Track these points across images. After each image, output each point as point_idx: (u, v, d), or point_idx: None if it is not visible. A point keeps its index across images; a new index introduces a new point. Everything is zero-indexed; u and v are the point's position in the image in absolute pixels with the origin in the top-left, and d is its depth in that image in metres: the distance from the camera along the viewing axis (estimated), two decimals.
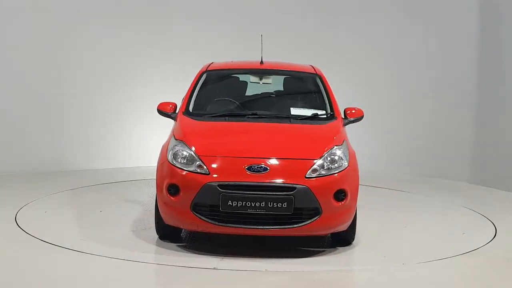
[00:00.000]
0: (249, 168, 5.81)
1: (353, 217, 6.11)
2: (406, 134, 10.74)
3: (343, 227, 6.07)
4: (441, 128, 10.61)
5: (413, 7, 10.73)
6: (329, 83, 7.12)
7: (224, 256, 5.88)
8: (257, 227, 5.77)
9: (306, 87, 7.31)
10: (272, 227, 5.78)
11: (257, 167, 5.82)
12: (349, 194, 5.92)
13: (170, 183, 5.90)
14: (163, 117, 6.88)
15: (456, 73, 10.48)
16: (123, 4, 10.27)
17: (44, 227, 6.66)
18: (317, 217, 5.79)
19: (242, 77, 7.47)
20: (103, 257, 5.78)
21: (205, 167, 5.84)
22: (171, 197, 5.88)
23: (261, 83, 7.42)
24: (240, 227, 5.78)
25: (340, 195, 5.89)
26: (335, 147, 6.08)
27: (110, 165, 9.97)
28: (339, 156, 6.02)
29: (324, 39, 10.77)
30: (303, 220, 5.78)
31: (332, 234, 6.22)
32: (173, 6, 10.53)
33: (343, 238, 6.27)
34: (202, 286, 5.29)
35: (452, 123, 10.54)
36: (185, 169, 5.89)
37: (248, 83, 7.43)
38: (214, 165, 5.85)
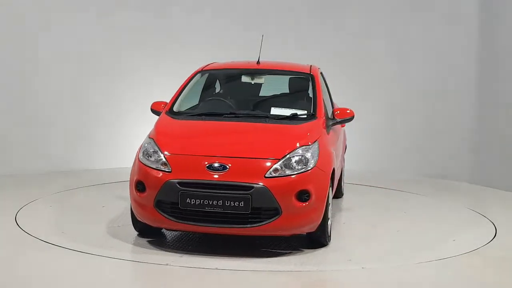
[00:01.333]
0: (209, 167, 5.84)
1: (321, 218, 6.00)
2: (406, 134, 10.74)
3: (310, 228, 6.00)
4: (441, 128, 10.61)
5: (413, 7, 10.72)
6: (320, 83, 7.07)
7: (224, 256, 5.88)
8: (215, 225, 5.79)
9: (296, 87, 7.33)
10: (229, 226, 5.78)
11: (217, 166, 5.82)
12: (313, 195, 5.85)
13: (138, 180, 6.02)
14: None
15: (456, 73, 10.48)
16: (123, 4, 10.26)
17: (44, 227, 6.67)
18: (277, 217, 5.75)
19: (237, 77, 7.52)
20: (103, 257, 5.79)
21: (168, 165, 5.92)
22: (139, 194, 6.00)
23: (252, 82, 7.42)
24: (198, 225, 5.82)
25: (303, 195, 5.83)
26: (302, 147, 6.02)
27: (110, 165, 9.97)
28: (304, 156, 5.95)
29: (325, 39, 10.77)
30: (262, 220, 5.75)
31: (306, 235, 6.15)
32: (173, 6, 10.53)
33: (315, 240, 6.20)
34: (201, 287, 5.29)
35: (452, 123, 10.53)
36: (151, 166, 5.98)
37: (241, 83, 7.48)
38: (177, 163, 5.91)
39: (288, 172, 5.85)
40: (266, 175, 5.79)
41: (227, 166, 5.82)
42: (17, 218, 7.00)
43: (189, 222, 5.82)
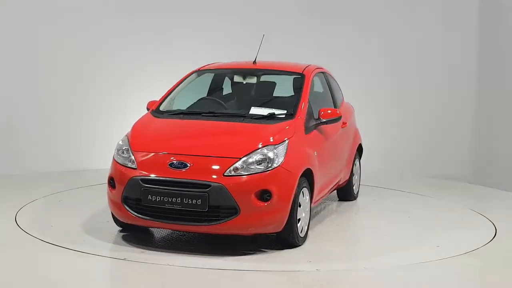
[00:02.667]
0: (171, 164, 5.90)
1: (285, 219, 5.95)
2: (406, 134, 10.75)
3: (273, 228, 5.98)
4: (441, 128, 10.62)
5: (413, 6, 10.73)
6: (310, 84, 7.00)
7: (225, 255, 5.88)
8: (174, 222, 5.86)
9: (286, 86, 7.28)
10: (188, 223, 5.83)
11: (178, 164, 5.88)
12: (275, 195, 5.83)
13: (110, 176, 6.22)
14: None
15: (456, 73, 10.49)
16: (122, 5, 10.27)
17: (44, 227, 6.67)
18: (235, 216, 5.75)
19: (230, 77, 7.53)
20: (103, 257, 5.79)
21: (134, 162, 6.04)
22: (111, 190, 6.18)
23: (244, 82, 7.42)
24: (159, 221, 5.91)
25: (264, 195, 5.83)
26: (266, 146, 5.99)
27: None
28: (266, 156, 5.93)
29: (325, 39, 10.78)
30: (220, 218, 5.77)
31: (275, 235, 6.14)
32: (173, 7, 10.53)
33: (282, 240, 6.16)
34: (201, 287, 5.30)
35: (452, 123, 10.54)
36: (120, 163, 6.15)
37: (234, 82, 7.50)
38: (142, 160, 6.02)
39: (248, 171, 5.84)
40: (225, 174, 5.80)
41: (188, 164, 5.86)
42: (17, 218, 7.00)
43: (151, 219, 5.91)
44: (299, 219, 6.16)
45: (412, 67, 10.75)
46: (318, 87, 7.70)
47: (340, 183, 7.91)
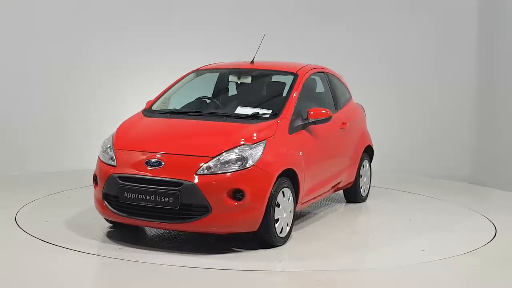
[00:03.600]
0: (147, 162, 5.97)
1: (260, 218, 5.95)
2: (406, 134, 10.74)
3: (248, 227, 5.98)
4: (441, 128, 10.62)
5: (413, 6, 10.73)
6: (301, 84, 6.96)
7: (225, 254, 5.87)
8: (149, 219, 5.94)
9: (277, 86, 7.24)
10: (161, 220, 5.89)
11: (154, 162, 5.95)
12: (248, 194, 5.83)
13: (94, 174, 6.37)
14: None
15: (456, 73, 10.48)
16: (121, 5, 10.27)
17: (44, 227, 6.67)
18: (207, 214, 5.78)
19: (227, 77, 7.54)
20: (103, 257, 5.79)
21: (115, 159, 6.15)
22: (95, 187, 6.31)
23: (239, 82, 7.44)
24: (134, 218, 6.00)
25: (237, 194, 5.84)
26: (241, 146, 5.99)
27: None
28: (241, 155, 5.93)
29: (325, 39, 10.78)
30: (192, 217, 5.81)
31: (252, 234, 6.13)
32: (173, 7, 10.54)
33: (260, 240, 6.16)
34: (200, 287, 5.30)
35: (452, 123, 10.54)
36: (103, 160, 6.28)
37: (230, 82, 7.52)
38: (121, 158, 6.13)
39: (221, 170, 5.85)
40: (197, 172, 5.83)
41: (163, 163, 5.91)
42: (17, 218, 7.00)
43: (127, 215, 6.02)
44: (277, 219, 6.14)
45: (412, 67, 10.74)
46: (318, 87, 7.70)
47: (342, 185, 7.85)
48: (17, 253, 5.93)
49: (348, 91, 8.28)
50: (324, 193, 7.40)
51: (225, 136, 6.14)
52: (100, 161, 6.33)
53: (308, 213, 7.64)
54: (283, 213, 6.23)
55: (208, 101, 7.15)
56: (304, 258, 6.01)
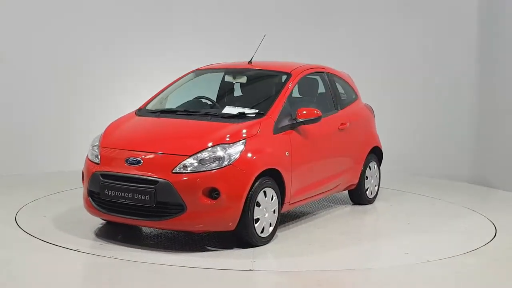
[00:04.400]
0: (127, 160, 6.05)
1: (236, 217, 5.96)
2: (406, 134, 10.74)
3: (224, 226, 5.99)
4: (441, 128, 10.61)
5: (413, 7, 10.73)
6: (292, 84, 6.94)
7: (220, 255, 5.87)
8: (127, 216, 6.03)
9: (268, 86, 7.21)
10: (139, 218, 5.97)
11: (133, 160, 6.02)
12: (224, 193, 5.85)
13: (82, 171, 6.49)
14: None
15: (456, 73, 10.48)
16: (121, 5, 10.27)
17: (44, 227, 6.67)
18: (182, 212, 5.82)
19: (224, 77, 7.57)
20: (103, 257, 5.79)
21: (99, 157, 6.27)
22: (83, 184, 6.43)
23: (234, 82, 7.45)
24: (114, 215, 6.12)
25: (213, 193, 5.86)
26: (219, 145, 6.01)
27: None
28: (217, 154, 5.95)
29: (325, 39, 10.78)
30: (168, 214, 5.86)
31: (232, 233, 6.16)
32: (173, 8, 10.54)
33: (239, 239, 6.17)
34: (203, 287, 5.30)
35: (452, 123, 10.54)
36: (89, 158, 6.41)
37: (235, 83, 7.52)
38: (104, 156, 6.24)
39: (197, 169, 5.87)
40: (173, 171, 5.87)
41: (141, 161, 5.99)
42: (17, 218, 7.00)
43: (108, 212, 6.14)
44: (257, 219, 6.14)
45: (411, 67, 10.74)
46: (317, 87, 7.67)
47: (344, 186, 7.78)
48: (16, 253, 5.92)
49: (355, 91, 8.21)
50: (320, 194, 7.32)
51: (204, 135, 6.17)
52: (87, 158, 6.46)
53: (308, 213, 7.64)
54: (265, 213, 6.22)
55: (204, 100, 7.16)
56: (303, 257, 6.00)
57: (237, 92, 7.44)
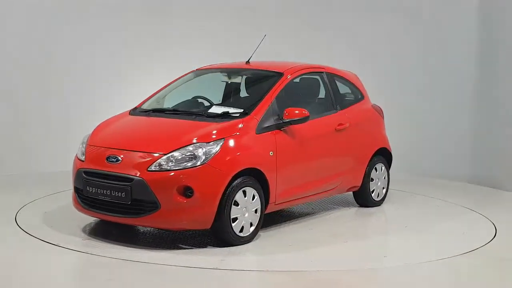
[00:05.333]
0: (107, 158, 6.17)
1: (211, 216, 5.98)
2: (406, 134, 10.74)
3: (199, 225, 6.03)
4: (441, 128, 10.61)
5: (415, 8, 10.73)
6: (282, 84, 6.91)
7: (225, 256, 5.88)
8: (106, 213, 6.17)
9: (260, 86, 7.20)
10: (116, 214, 6.10)
11: (112, 158, 6.14)
12: (197, 192, 5.88)
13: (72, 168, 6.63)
14: None
15: (456, 73, 10.47)
16: (121, 5, 10.26)
17: (44, 227, 6.67)
18: (156, 210, 5.88)
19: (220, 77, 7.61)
20: (103, 257, 5.79)
21: (84, 154, 6.43)
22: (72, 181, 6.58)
23: (229, 82, 7.47)
24: (95, 212, 6.27)
25: (187, 191, 5.89)
26: (195, 144, 6.05)
27: None
28: (192, 153, 5.98)
29: (325, 39, 10.79)
30: (143, 212, 5.94)
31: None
32: (173, 8, 10.53)
33: (217, 238, 6.20)
34: (203, 286, 5.30)
35: (452, 123, 10.53)
36: (77, 155, 6.56)
37: (225, 82, 7.57)
38: (89, 153, 6.38)
39: (172, 167, 5.91)
40: (148, 169, 5.93)
41: (120, 159, 6.08)
42: (17, 218, 7.00)
43: (89, 208, 6.29)
44: (235, 218, 6.14)
45: (411, 67, 10.74)
46: (315, 87, 7.63)
47: (344, 187, 7.66)
48: (16, 253, 5.92)
49: (361, 92, 8.08)
50: (314, 195, 7.24)
51: (182, 134, 6.22)
52: (75, 156, 6.60)
53: (306, 214, 7.64)
54: (244, 213, 6.23)
55: (200, 100, 7.18)
56: (304, 257, 6.00)
57: (233, 92, 7.43)
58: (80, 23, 10.02)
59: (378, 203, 8.14)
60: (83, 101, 10.12)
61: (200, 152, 6.00)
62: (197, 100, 7.21)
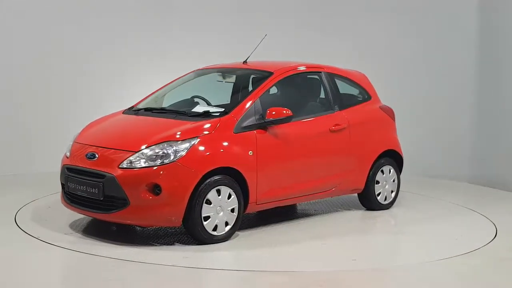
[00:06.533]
0: (86, 155, 6.33)
1: (180, 214, 6.04)
2: (406, 134, 10.72)
3: (168, 222, 6.10)
4: (441, 128, 10.61)
5: (413, 7, 10.73)
6: (267, 83, 6.89)
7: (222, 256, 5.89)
8: (82, 208, 6.34)
9: (248, 85, 7.21)
10: (91, 210, 6.26)
11: (90, 155, 6.30)
12: (166, 190, 5.94)
13: None
14: None
15: (456, 73, 10.47)
16: (121, 5, 10.26)
17: (44, 227, 6.67)
18: (126, 206, 5.99)
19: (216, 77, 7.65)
20: (103, 257, 5.79)
21: (70, 151, 6.63)
22: None
23: (223, 81, 7.49)
24: (75, 207, 6.44)
25: (156, 189, 5.96)
26: (166, 142, 6.11)
27: None
28: (162, 151, 6.04)
29: (325, 39, 10.78)
30: (114, 208, 6.07)
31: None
32: (173, 8, 10.53)
33: (191, 236, 6.24)
34: (202, 287, 5.30)
35: (452, 123, 10.53)
36: (65, 152, 6.74)
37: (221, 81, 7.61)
38: (73, 150, 6.58)
39: (142, 164, 6.00)
40: (119, 166, 6.05)
41: (97, 156, 6.23)
42: (17, 218, 7.00)
43: (71, 204, 6.48)
44: (207, 217, 6.16)
45: (411, 67, 10.73)
46: (312, 86, 7.58)
47: (345, 189, 7.52)
48: (16, 253, 5.92)
49: (367, 92, 7.93)
50: (307, 196, 7.14)
51: (155, 132, 6.31)
52: (65, 153, 6.77)
53: (307, 215, 7.64)
54: (219, 211, 6.24)
55: (196, 100, 7.19)
56: (304, 257, 5.99)
57: (233, 92, 7.39)
58: (80, 23, 10.01)
59: (385, 207, 7.91)
60: (83, 101, 10.11)
61: (170, 150, 6.07)
62: (193, 100, 7.22)
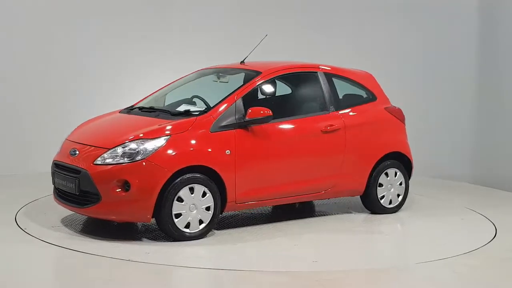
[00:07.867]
0: (70, 151, 6.54)
1: (149, 210, 6.13)
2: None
3: (138, 218, 6.27)
4: (441, 128, 10.61)
5: (413, 7, 10.73)
6: (252, 83, 6.86)
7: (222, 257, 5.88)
8: (65, 202, 6.54)
9: (236, 85, 7.11)
10: (70, 204, 6.47)
11: (73, 151, 6.51)
12: (134, 186, 6.08)
13: None
14: None
15: (456, 73, 10.48)
16: (121, 5, 10.26)
17: (44, 227, 6.67)
18: (98, 202, 6.18)
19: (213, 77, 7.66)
20: (103, 257, 5.79)
21: (61, 148, 6.84)
22: None
23: (218, 82, 7.52)
24: (60, 201, 6.63)
25: (126, 185, 6.12)
26: (138, 140, 6.25)
27: None
28: (133, 148, 6.19)
29: (325, 39, 10.78)
30: (89, 203, 6.26)
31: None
32: (174, 8, 10.54)
33: (163, 232, 6.32)
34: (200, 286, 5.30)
35: (453, 123, 10.54)
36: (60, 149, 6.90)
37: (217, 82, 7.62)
38: (62, 147, 6.80)
39: (114, 161, 6.17)
40: (94, 162, 6.24)
41: (77, 152, 6.45)
42: (17, 218, 7.00)
43: (58, 198, 6.67)
44: (179, 214, 6.21)
45: (411, 67, 10.74)
46: (308, 86, 7.51)
47: (342, 191, 7.39)
48: (16, 253, 5.92)
49: (372, 92, 7.75)
50: (297, 196, 7.04)
51: (130, 130, 6.46)
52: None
53: (307, 215, 7.64)
54: (191, 209, 6.28)
55: (194, 99, 7.19)
56: (304, 257, 6.00)
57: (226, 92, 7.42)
58: (80, 23, 10.01)
59: (390, 210, 7.68)
60: (83, 101, 10.11)
61: (141, 147, 6.18)
62: (192, 100, 7.21)
